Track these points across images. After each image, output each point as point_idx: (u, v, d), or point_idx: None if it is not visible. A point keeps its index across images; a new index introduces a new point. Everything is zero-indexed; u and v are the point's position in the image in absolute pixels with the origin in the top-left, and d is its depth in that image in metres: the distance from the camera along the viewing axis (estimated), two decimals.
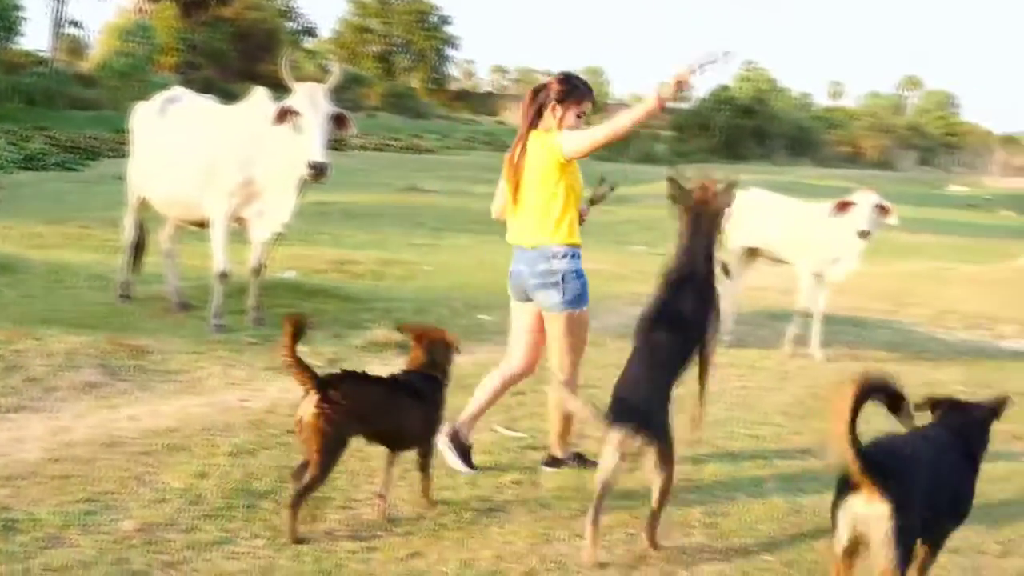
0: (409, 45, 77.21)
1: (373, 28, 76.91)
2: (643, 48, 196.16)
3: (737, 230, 9.76)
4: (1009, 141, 74.12)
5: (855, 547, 3.94)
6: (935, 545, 4.27)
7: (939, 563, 4.53)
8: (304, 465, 4.48)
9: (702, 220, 5.11)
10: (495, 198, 5.98)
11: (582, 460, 5.73)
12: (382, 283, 11.63)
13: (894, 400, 3.92)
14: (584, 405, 4.72)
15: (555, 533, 4.72)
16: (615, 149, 49.90)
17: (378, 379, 4.81)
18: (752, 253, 10.36)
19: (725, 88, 61.45)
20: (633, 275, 13.69)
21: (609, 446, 4.53)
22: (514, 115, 79.10)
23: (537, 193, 5.52)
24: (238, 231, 8.55)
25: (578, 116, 5.57)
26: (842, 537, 3.93)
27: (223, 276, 8.51)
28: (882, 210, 9.27)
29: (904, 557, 3.81)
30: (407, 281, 11.87)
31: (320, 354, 7.87)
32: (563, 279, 5.44)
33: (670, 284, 5.04)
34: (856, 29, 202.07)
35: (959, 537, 4.85)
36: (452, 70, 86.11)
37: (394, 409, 4.73)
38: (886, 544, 3.76)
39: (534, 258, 5.52)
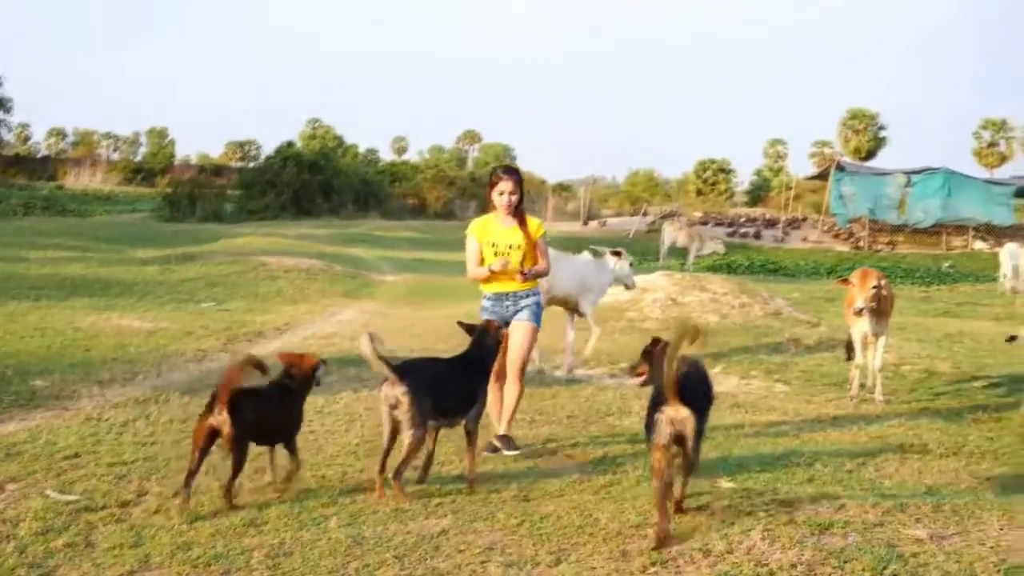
0: None
1: None
2: (207, 109, 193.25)
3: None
4: (561, 188, 78.85)
5: (671, 442, 5.48)
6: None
7: None
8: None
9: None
10: None
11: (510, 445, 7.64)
12: None
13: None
14: (375, 357, 6.12)
15: None
16: (182, 210, 48.90)
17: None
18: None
19: (291, 145, 61.63)
20: (199, 331, 13.43)
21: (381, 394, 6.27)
22: (74, 179, 75.72)
23: None
24: None
25: (500, 194, 7.89)
26: (663, 434, 5.49)
27: None
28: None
29: (699, 446, 5.72)
30: None
31: None
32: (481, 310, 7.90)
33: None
34: (418, 88, 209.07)
35: (513, 552, 5.10)
36: (5, 134, 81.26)
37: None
38: (691, 436, 5.50)
39: None
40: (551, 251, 12.47)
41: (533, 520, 5.65)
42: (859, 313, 10.51)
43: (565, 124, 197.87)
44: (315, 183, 55.75)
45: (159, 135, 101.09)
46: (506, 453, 7.58)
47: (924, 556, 5.13)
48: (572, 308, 12.52)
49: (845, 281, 10.93)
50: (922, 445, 8.55)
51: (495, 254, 7.90)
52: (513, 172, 8.08)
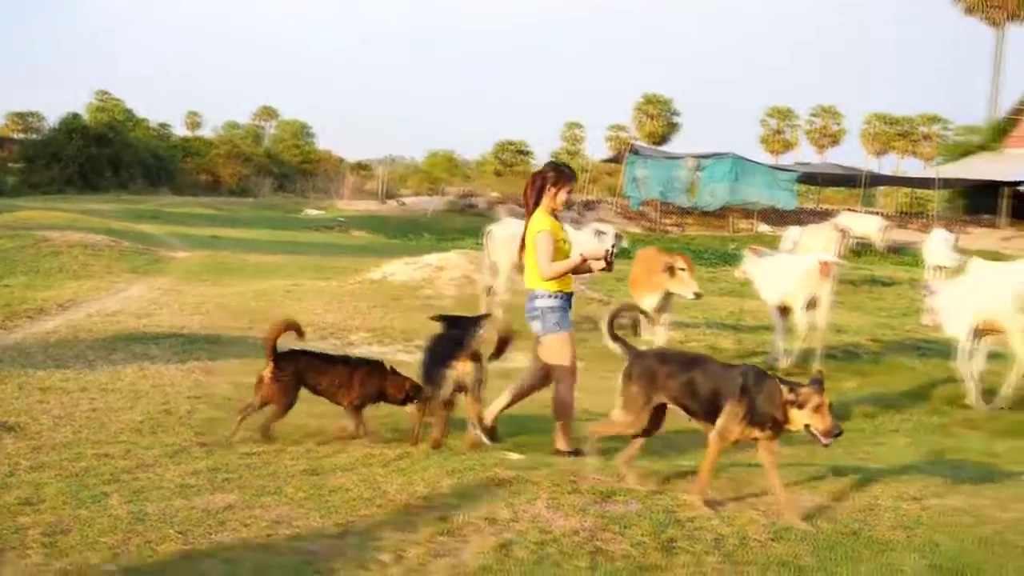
0: None
1: None
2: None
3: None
4: (360, 167, 78.41)
5: (454, 394, 7.10)
6: None
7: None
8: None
9: None
10: None
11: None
12: None
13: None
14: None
15: None
16: None
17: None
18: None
19: (76, 117, 59.49)
20: None
21: None
22: None
23: (529, 254, 7.60)
24: None
25: (568, 193, 7.69)
26: (448, 388, 7.06)
27: None
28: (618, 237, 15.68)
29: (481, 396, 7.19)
30: None
31: None
32: (542, 313, 7.51)
33: None
34: (212, 61, 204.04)
35: (300, 525, 5.08)
36: None
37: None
38: (474, 387, 7.09)
39: (527, 298, 7.68)
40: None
41: (321, 493, 5.63)
42: (699, 296, 11.15)
43: (364, 103, 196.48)
44: (103, 157, 54.08)
45: None
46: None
47: (700, 520, 5.37)
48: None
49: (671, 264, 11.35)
50: None
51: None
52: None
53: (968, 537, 5.43)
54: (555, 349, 7.53)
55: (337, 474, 6.13)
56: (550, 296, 7.51)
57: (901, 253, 36.76)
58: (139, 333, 11.57)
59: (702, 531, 5.22)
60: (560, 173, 7.67)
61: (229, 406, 8.28)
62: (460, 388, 7.13)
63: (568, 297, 7.64)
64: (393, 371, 7.49)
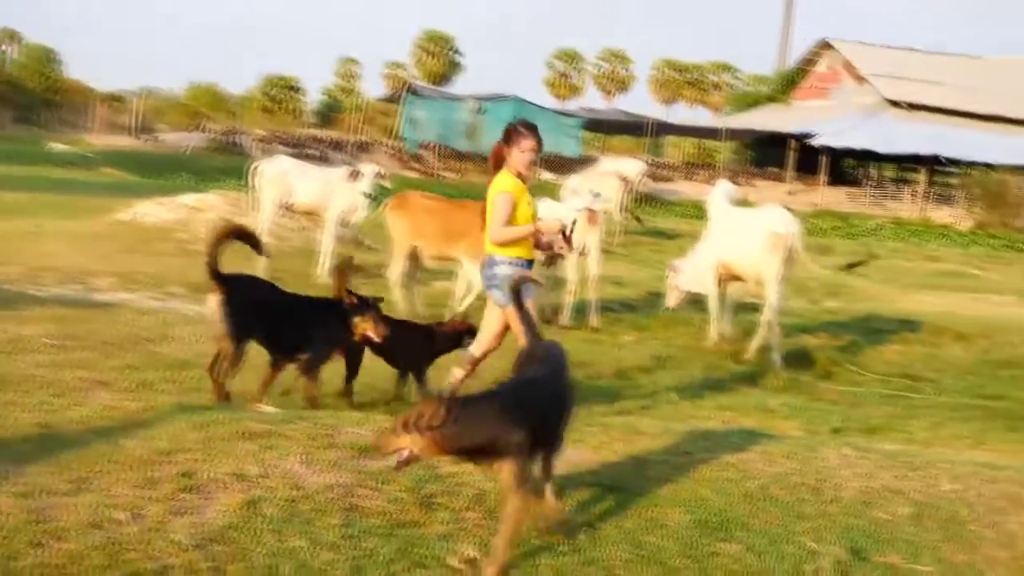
0: None
1: None
2: None
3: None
4: (113, 99, 74.80)
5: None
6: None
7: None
8: None
9: None
10: None
11: None
12: None
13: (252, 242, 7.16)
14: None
15: None
16: None
17: None
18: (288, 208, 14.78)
19: None
20: None
21: None
22: None
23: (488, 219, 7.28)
24: None
25: (522, 152, 7.20)
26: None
27: None
28: (380, 176, 14.91)
29: (233, 331, 6.70)
30: None
31: None
32: (501, 283, 7.08)
33: None
34: None
35: (27, 482, 4.70)
36: None
37: None
38: (219, 319, 6.67)
39: (486, 264, 7.33)
40: (297, 162, 15.57)
41: (52, 448, 5.21)
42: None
43: (117, 28, 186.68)
44: None
45: None
46: None
47: (462, 476, 5.25)
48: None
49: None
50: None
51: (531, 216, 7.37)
52: (536, 129, 7.39)
53: (734, 491, 5.52)
54: (511, 318, 7.04)
55: (73, 428, 5.69)
56: (509, 263, 7.23)
57: (657, 202, 37.71)
58: None
59: (463, 487, 5.11)
60: (511, 131, 7.33)
61: None
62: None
63: (528, 264, 7.35)
64: (439, 325, 8.53)
